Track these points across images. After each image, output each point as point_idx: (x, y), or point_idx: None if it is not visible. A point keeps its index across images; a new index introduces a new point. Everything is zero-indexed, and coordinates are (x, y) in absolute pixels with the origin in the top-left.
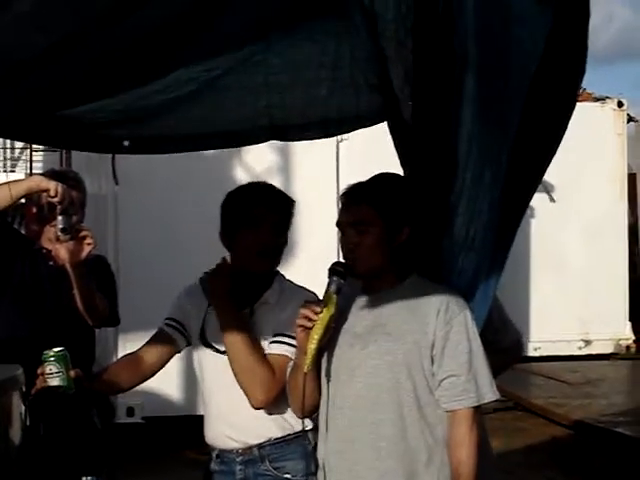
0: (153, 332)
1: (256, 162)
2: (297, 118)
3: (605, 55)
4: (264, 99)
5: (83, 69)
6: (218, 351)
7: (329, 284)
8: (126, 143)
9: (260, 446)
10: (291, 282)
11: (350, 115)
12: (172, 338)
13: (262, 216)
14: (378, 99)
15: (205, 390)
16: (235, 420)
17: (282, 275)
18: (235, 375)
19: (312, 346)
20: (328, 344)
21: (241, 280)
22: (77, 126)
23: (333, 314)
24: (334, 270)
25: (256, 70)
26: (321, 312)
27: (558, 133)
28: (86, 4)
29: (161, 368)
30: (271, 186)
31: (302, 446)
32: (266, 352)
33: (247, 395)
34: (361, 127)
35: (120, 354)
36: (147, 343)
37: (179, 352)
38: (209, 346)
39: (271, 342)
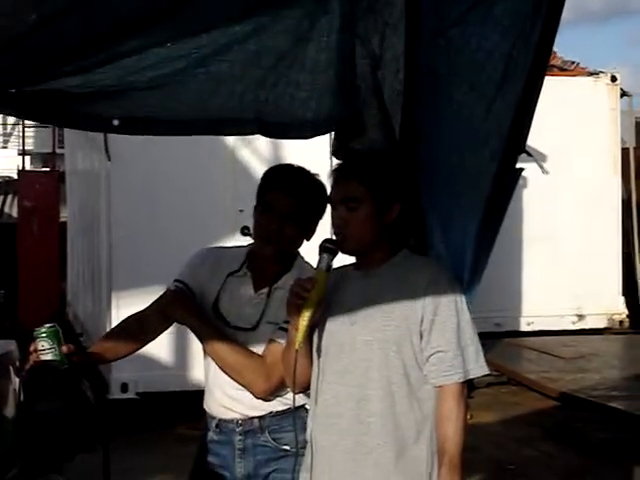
0: (145, 304)
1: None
2: (282, 116)
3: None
4: (251, 94)
5: (74, 37)
6: (228, 324)
7: (319, 261)
8: (115, 122)
9: (260, 417)
10: (311, 265)
11: (327, 117)
12: None
13: (271, 201)
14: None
15: (207, 360)
16: (236, 393)
17: (302, 258)
18: (231, 377)
19: (303, 323)
20: (319, 321)
21: (258, 260)
22: (67, 103)
23: (324, 291)
24: (324, 247)
25: (244, 59)
26: (312, 289)
27: (535, 99)
28: None
29: (164, 330)
30: (295, 170)
31: (301, 418)
32: (270, 338)
33: (248, 389)
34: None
35: (113, 323)
36: (152, 305)
37: None
38: (220, 317)
39: (278, 328)
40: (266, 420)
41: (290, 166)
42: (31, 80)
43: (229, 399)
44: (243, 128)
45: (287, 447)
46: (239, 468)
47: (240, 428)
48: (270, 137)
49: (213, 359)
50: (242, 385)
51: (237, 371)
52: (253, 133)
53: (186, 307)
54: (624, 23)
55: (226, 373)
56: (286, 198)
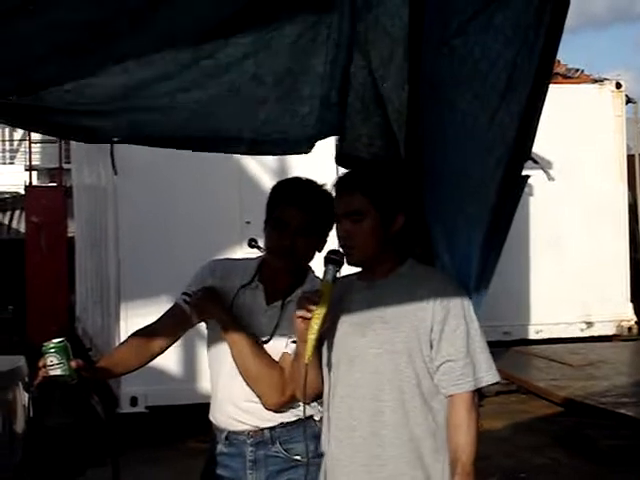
0: (153, 318)
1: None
2: (280, 133)
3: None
4: (251, 111)
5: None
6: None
7: (325, 273)
8: (115, 139)
9: (271, 429)
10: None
11: (329, 130)
12: (187, 314)
13: (282, 217)
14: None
15: (215, 372)
16: (247, 405)
17: (313, 272)
18: (246, 382)
19: (312, 336)
20: (327, 333)
21: (270, 273)
22: (66, 116)
23: (330, 302)
24: (329, 259)
25: (244, 80)
26: (319, 302)
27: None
28: None
29: (172, 344)
30: (304, 184)
31: (311, 428)
32: (284, 351)
33: (260, 399)
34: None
35: (122, 337)
36: (161, 318)
37: (191, 327)
38: None
39: (292, 341)
40: (277, 431)
41: (298, 180)
42: (41, 84)
43: (240, 411)
44: (236, 147)
45: (298, 457)
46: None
47: (251, 440)
48: (264, 155)
49: (235, 360)
50: (255, 393)
51: (255, 378)
52: (244, 153)
53: (219, 303)
54: (628, 28)
55: (243, 376)
56: (297, 213)
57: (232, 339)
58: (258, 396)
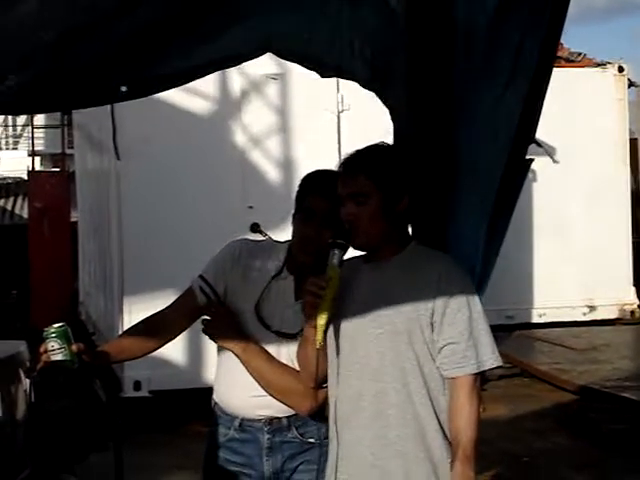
0: (157, 305)
1: (256, 126)
2: (298, 46)
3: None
4: (264, 31)
5: (86, 62)
6: (269, 328)
7: (331, 257)
8: (123, 89)
9: (288, 417)
10: None
11: (348, 66)
12: (198, 302)
13: (308, 207)
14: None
15: (226, 356)
16: (266, 397)
17: None
18: (274, 396)
19: (322, 322)
20: (331, 315)
21: (298, 266)
22: (73, 82)
23: (337, 286)
24: (334, 243)
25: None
26: (327, 287)
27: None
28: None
29: (184, 330)
30: (328, 174)
31: (323, 410)
32: None
33: (293, 409)
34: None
35: (125, 321)
36: (173, 304)
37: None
38: (261, 320)
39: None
40: (293, 418)
41: (325, 171)
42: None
43: (257, 399)
44: (254, 55)
45: (312, 440)
46: (267, 466)
47: (268, 427)
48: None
49: (255, 379)
50: (287, 405)
51: (283, 394)
52: (263, 53)
53: (227, 333)
54: (628, 19)
55: (268, 393)
56: (322, 202)
57: (248, 365)
58: (290, 407)
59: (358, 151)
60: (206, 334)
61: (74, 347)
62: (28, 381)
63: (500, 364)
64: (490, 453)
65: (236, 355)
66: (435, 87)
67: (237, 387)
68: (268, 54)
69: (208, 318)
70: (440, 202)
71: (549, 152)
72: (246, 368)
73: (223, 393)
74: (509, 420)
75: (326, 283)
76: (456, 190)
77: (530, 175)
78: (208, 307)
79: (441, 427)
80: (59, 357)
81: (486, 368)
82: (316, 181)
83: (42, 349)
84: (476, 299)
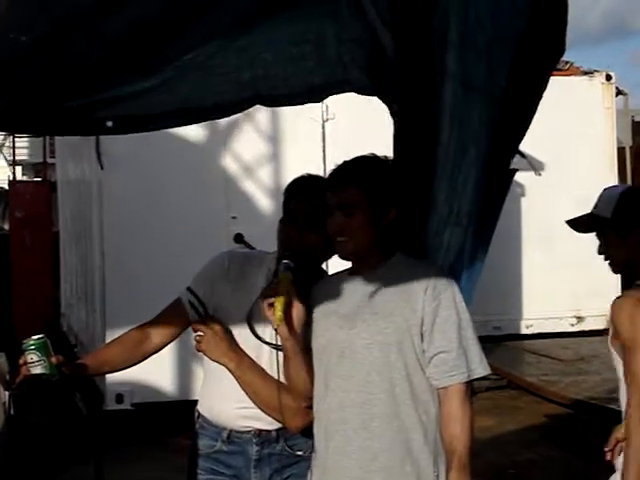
0: (139, 316)
1: (241, 139)
2: (282, 88)
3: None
4: (248, 73)
5: (67, 65)
6: (261, 339)
7: (279, 266)
8: (109, 124)
9: (278, 429)
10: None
11: (337, 80)
12: (186, 315)
13: (293, 211)
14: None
15: (214, 367)
16: (255, 409)
17: (325, 272)
18: (265, 411)
19: (279, 313)
20: (317, 327)
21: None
22: (58, 111)
23: (290, 286)
24: (282, 257)
25: (240, 52)
26: (278, 287)
27: (533, 107)
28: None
29: (170, 342)
30: (311, 178)
31: (311, 422)
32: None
33: (284, 425)
34: (348, 91)
35: (107, 333)
36: (160, 316)
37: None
38: (254, 332)
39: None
40: (281, 430)
41: (308, 175)
42: (29, 102)
43: (246, 411)
44: (241, 106)
45: (300, 452)
46: (255, 478)
47: (257, 439)
48: (271, 106)
49: (249, 396)
50: (277, 421)
51: (275, 410)
52: (251, 106)
53: (221, 348)
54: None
55: (261, 409)
56: (304, 203)
57: (241, 380)
58: (280, 422)
59: (348, 162)
60: (199, 351)
61: (54, 359)
62: (7, 394)
63: (489, 372)
64: (476, 465)
65: (229, 370)
66: (419, 100)
67: (226, 399)
68: None
69: (200, 334)
70: (424, 212)
71: (533, 164)
72: (239, 383)
73: (211, 405)
74: (495, 432)
75: (276, 284)
76: (441, 199)
77: (517, 185)
78: (199, 322)
79: (429, 439)
80: (38, 370)
81: (476, 377)
82: (300, 185)
83: (21, 361)
84: (464, 307)
